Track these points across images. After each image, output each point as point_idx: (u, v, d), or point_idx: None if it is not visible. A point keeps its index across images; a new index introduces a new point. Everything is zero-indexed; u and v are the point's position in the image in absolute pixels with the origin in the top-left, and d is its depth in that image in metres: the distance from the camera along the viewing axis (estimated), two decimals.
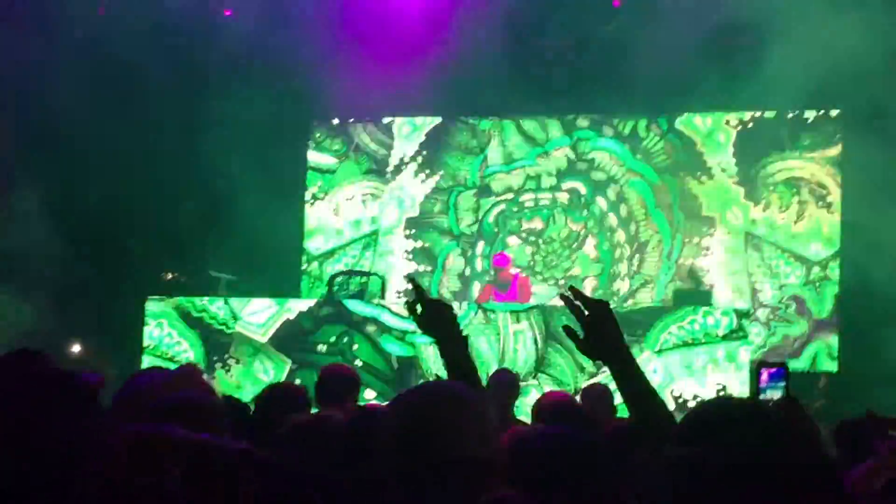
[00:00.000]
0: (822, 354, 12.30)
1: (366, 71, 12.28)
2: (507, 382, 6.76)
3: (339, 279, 12.50)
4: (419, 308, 3.28)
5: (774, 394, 4.41)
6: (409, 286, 3.46)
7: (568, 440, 3.02)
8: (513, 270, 11.70)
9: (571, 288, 2.94)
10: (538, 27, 12.48)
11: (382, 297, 11.87)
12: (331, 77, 12.44)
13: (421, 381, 9.60)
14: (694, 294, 11.37)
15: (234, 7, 12.61)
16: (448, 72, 12.00)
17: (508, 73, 12.31)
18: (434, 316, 3.26)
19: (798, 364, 12.08)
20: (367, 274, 12.41)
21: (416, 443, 2.44)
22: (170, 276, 12.20)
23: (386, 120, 13.96)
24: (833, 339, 12.28)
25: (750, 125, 12.82)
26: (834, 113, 12.59)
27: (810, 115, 12.64)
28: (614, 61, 11.90)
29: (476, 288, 13.10)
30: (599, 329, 2.80)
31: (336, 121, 14.13)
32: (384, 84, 12.54)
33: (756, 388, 4.35)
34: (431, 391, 2.70)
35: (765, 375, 5.17)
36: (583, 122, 13.32)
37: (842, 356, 12.17)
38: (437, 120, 13.78)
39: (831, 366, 12.20)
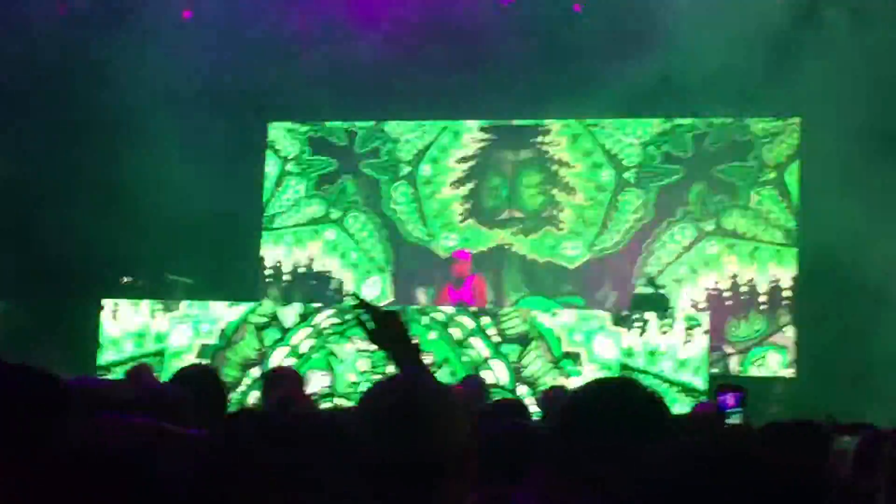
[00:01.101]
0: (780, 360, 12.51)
1: (328, 71, 12.36)
2: (479, 385, 6.86)
3: (298, 282, 12.66)
4: (369, 323, 3.27)
5: (737, 418, 4.51)
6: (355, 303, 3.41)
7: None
8: (469, 270, 11.58)
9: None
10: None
11: (343, 299, 11.91)
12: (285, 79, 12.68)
13: None
14: (653, 299, 11.39)
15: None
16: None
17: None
18: (385, 329, 3.25)
19: (755, 371, 12.30)
20: (325, 277, 12.46)
21: (403, 434, 2.28)
22: (125, 280, 11.99)
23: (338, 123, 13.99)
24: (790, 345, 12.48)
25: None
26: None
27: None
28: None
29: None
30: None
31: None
32: (345, 87, 12.65)
33: (722, 410, 4.44)
34: (407, 383, 2.58)
35: (731, 400, 5.32)
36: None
37: (799, 362, 12.37)
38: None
39: (788, 372, 12.38)
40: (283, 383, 5.95)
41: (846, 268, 11.02)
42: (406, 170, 13.69)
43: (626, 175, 13.15)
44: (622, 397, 2.48)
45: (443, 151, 13.66)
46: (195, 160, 12.17)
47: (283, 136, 14.10)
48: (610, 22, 11.82)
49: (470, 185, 13.51)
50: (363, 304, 3.35)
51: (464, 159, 13.56)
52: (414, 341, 3.27)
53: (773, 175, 12.82)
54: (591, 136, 13.30)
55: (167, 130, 12.09)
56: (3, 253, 12.23)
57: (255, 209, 13.97)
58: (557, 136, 13.35)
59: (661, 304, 11.11)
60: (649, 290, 11.77)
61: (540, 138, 13.39)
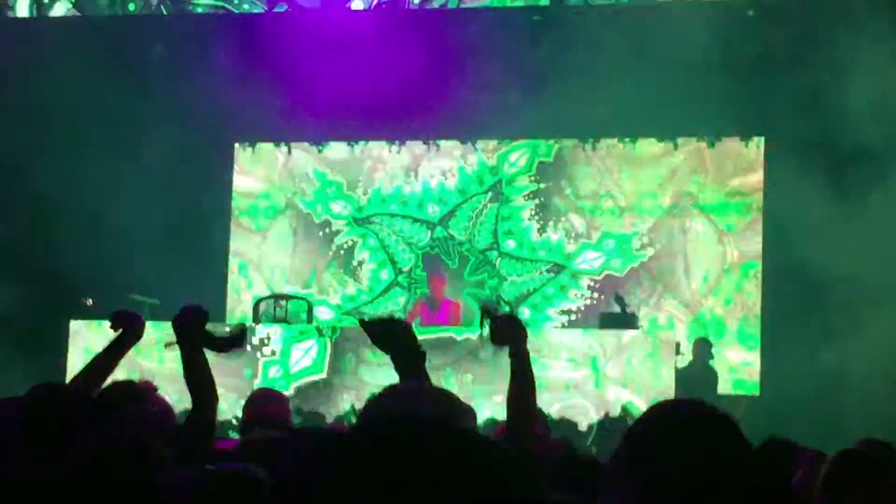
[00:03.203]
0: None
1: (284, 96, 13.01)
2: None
3: (263, 303, 12.80)
4: (375, 325, 3.48)
5: None
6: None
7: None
8: (446, 292, 12.08)
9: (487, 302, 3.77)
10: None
11: (309, 320, 12.10)
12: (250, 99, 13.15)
13: None
14: (619, 318, 11.69)
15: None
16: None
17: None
18: (386, 332, 3.47)
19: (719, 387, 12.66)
20: (293, 297, 12.63)
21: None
22: (90, 301, 12.23)
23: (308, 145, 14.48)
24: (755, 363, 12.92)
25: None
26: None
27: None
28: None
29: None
30: (506, 328, 3.64)
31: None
32: (298, 109, 13.23)
33: None
34: (415, 391, 2.77)
35: None
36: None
37: (763, 380, 12.78)
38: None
39: (752, 389, 12.80)
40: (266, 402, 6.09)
41: (810, 286, 11.53)
42: None
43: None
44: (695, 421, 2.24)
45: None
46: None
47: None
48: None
49: None
50: (364, 324, 3.57)
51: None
52: (419, 348, 3.47)
53: (739, 194, 13.40)
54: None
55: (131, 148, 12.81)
56: None
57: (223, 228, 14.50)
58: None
59: (630, 323, 11.49)
60: (617, 308, 12.05)
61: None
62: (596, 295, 13.65)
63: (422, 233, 14.19)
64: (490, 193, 14.03)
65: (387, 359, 3.53)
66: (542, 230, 13.91)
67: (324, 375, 11.23)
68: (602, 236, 13.72)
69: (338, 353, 11.09)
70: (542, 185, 13.94)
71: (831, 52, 11.54)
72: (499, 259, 14.00)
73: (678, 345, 11.25)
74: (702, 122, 13.04)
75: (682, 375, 11.68)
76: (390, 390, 2.82)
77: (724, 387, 12.62)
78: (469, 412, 2.91)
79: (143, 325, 4.58)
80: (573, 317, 13.61)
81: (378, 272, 14.23)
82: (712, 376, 12.25)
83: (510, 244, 13.98)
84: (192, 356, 3.84)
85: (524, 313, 13.42)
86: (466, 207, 14.09)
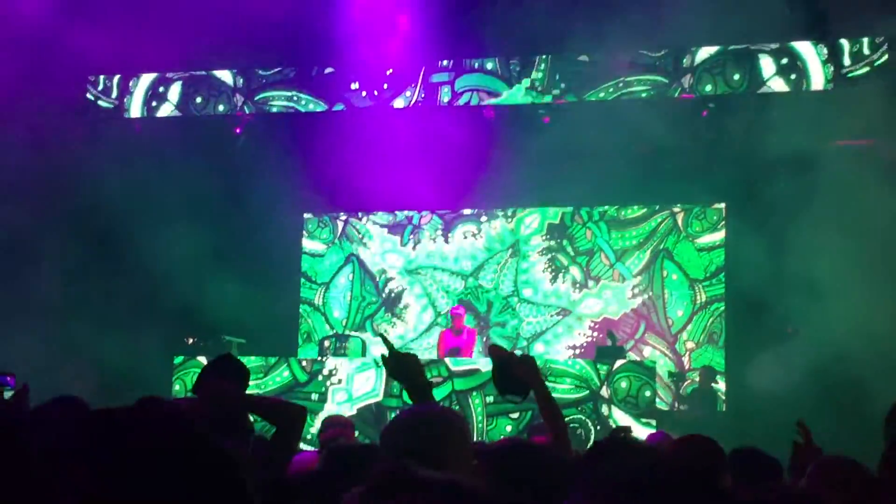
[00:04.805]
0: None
1: (342, 176, 14.58)
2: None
3: (327, 342, 14.79)
4: (389, 360, 3.66)
5: None
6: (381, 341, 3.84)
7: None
8: (464, 322, 13.50)
9: (495, 346, 3.98)
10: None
11: (363, 354, 14.00)
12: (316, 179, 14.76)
13: None
14: (611, 350, 13.51)
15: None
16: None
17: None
18: (400, 367, 3.62)
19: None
20: (350, 337, 14.64)
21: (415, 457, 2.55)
22: (191, 340, 13.91)
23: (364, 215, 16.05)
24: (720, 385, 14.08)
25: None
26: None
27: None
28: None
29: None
30: (513, 369, 3.87)
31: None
32: (353, 185, 14.77)
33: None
34: (423, 415, 2.97)
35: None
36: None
37: (727, 398, 13.92)
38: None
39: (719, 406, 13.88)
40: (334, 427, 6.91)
41: (764, 319, 12.72)
42: None
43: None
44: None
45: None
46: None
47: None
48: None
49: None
50: (386, 343, 3.74)
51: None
52: (427, 380, 3.62)
53: (706, 249, 14.80)
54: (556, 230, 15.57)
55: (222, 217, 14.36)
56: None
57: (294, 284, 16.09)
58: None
59: (619, 354, 13.27)
60: (609, 342, 14.06)
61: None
62: (595, 333, 15.05)
63: (457, 282, 15.68)
64: (510, 250, 15.59)
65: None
66: (553, 280, 15.27)
67: (379, 398, 12.51)
68: (601, 287, 15.12)
69: (390, 379, 11.81)
70: (552, 243, 15.35)
71: (773, 135, 12.49)
72: (518, 304, 15.40)
73: (656, 370, 12.61)
74: (676, 192, 14.40)
75: (691, 395, 13.52)
76: (406, 410, 3.07)
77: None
78: (465, 422, 3.08)
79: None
80: (577, 350, 15.00)
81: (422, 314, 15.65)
82: (713, 396, 13.70)
83: (527, 292, 15.41)
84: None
85: (538, 349, 15.11)
86: (492, 262, 15.59)
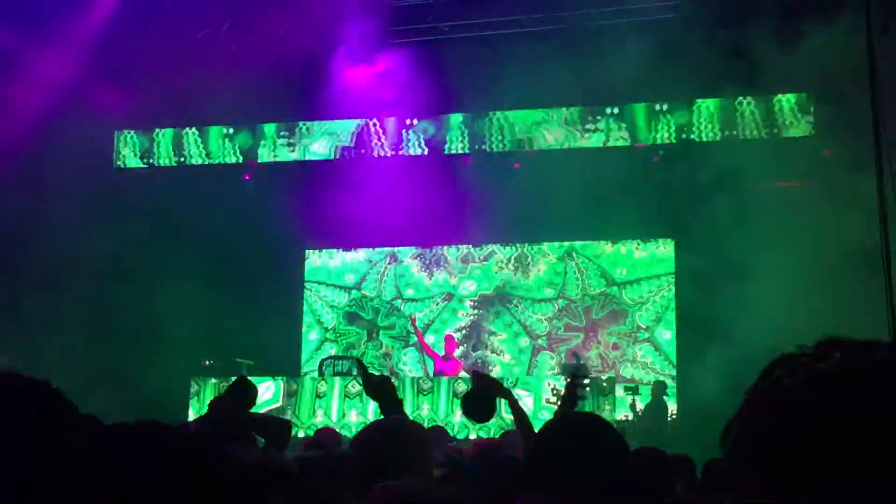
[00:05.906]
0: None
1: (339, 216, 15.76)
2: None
3: (326, 362, 15.60)
4: (367, 383, 3.93)
5: None
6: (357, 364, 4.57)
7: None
8: (454, 351, 14.95)
9: (359, 362, 4.49)
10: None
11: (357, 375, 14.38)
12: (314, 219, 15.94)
13: None
14: (575, 367, 13.96)
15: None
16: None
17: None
18: (376, 387, 3.88)
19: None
20: (348, 358, 15.68)
21: (378, 469, 2.71)
22: (208, 362, 15.11)
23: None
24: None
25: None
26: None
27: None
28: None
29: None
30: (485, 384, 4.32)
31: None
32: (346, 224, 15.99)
33: None
34: (388, 426, 3.15)
35: None
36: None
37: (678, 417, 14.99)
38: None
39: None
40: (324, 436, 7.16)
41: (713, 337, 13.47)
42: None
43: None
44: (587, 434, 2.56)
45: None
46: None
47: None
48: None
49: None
50: (360, 366, 4.25)
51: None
52: (398, 398, 3.83)
53: (656, 277, 16.23)
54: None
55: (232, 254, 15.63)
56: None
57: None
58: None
59: (582, 371, 13.77)
60: (573, 361, 15.38)
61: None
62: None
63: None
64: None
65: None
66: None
67: (371, 416, 12.91)
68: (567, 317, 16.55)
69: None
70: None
71: (718, 179, 13.59)
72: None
73: (613, 385, 13.85)
74: (630, 229, 15.49)
75: (645, 408, 14.55)
76: (379, 421, 3.28)
77: None
78: (426, 433, 3.33)
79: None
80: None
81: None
82: (664, 408, 14.82)
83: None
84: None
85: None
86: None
